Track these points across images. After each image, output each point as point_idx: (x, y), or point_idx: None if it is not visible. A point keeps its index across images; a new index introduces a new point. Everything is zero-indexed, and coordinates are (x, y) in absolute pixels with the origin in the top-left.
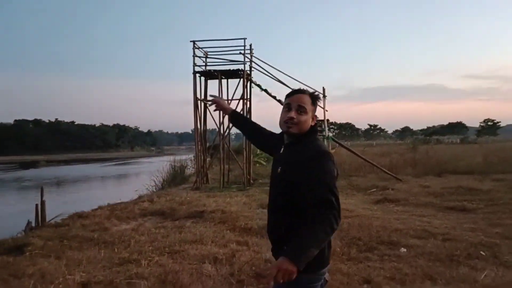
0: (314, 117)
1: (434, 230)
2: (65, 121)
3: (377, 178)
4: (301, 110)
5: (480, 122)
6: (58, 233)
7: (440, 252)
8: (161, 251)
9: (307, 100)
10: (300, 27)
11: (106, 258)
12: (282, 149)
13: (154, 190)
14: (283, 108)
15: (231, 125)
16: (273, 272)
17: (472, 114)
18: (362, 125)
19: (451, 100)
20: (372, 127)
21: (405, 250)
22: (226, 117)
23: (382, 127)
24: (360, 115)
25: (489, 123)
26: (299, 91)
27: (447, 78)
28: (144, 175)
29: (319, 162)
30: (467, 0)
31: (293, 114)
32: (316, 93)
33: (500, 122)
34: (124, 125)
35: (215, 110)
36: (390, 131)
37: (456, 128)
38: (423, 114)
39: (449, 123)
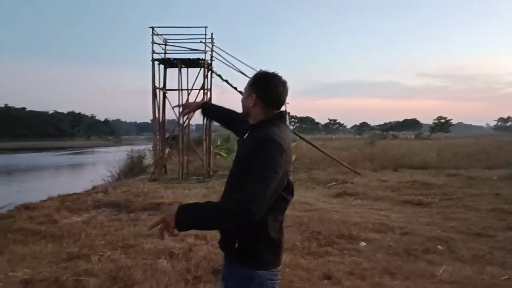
0: (251, 96)
1: (392, 224)
2: (16, 107)
3: (337, 171)
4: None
5: (434, 119)
6: (2, 225)
7: (398, 246)
8: (114, 245)
9: (249, 81)
10: (264, 20)
11: (53, 253)
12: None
13: (110, 180)
14: None
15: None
16: (159, 221)
17: (426, 112)
18: (322, 120)
19: (406, 97)
20: (331, 122)
21: (364, 244)
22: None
23: (342, 122)
24: (320, 109)
25: (441, 120)
26: None
27: (404, 76)
28: (100, 165)
29: (260, 149)
30: (422, 0)
31: None
32: (262, 71)
33: (452, 119)
34: (79, 113)
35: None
36: (349, 126)
37: (411, 124)
38: (381, 110)
39: (405, 120)
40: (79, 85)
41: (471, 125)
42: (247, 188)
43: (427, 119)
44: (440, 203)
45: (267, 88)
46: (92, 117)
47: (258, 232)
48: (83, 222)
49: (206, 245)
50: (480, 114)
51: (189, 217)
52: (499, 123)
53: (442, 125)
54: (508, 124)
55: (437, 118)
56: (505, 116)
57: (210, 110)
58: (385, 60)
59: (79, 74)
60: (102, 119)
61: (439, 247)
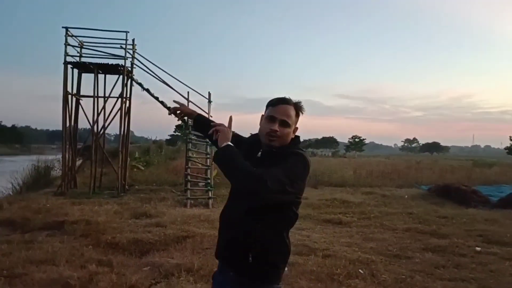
0: (295, 129)
1: (314, 245)
2: None
3: None
4: (284, 123)
5: (349, 138)
6: None
7: (321, 271)
8: None
9: (291, 112)
10: (189, 34)
11: None
12: (259, 153)
13: (11, 193)
14: (265, 119)
15: (106, 124)
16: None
17: (342, 130)
18: (244, 134)
19: (325, 116)
20: None
21: (286, 269)
22: (101, 115)
23: None
24: (242, 124)
25: (356, 139)
26: (284, 101)
27: (323, 96)
28: (0, 176)
29: (289, 158)
30: (338, 27)
31: (276, 127)
32: (301, 104)
33: (365, 138)
34: None
35: (179, 119)
36: None
37: (329, 142)
38: (300, 127)
39: (323, 137)
40: None
41: (381, 144)
42: (271, 170)
43: (343, 138)
44: (359, 222)
45: None
46: None
47: (276, 244)
48: None
49: (111, 273)
50: (389, 134)
51: (229, 153)
52: (405, 144)
53: (357, 143)
54: (413, 145)
55: (352, 137)
56: (411, 138)
57: (202, 123)
58: (306, 80)
59: None
60: (9, 125)
61: (360, 271)
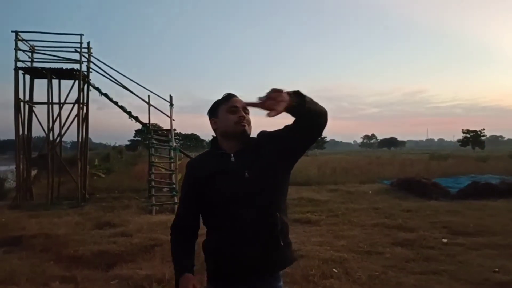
0: None
1: None
2: None
3: None
4: (246, 111)
5: None
6: None
7: (296, 272)
8: None
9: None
10: (148, 36)
11: None
12: (232, 158)
13: None
14: (227, 113)
15: (63, 131)
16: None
17: None
18: (207, 136)
19: (286, 116)
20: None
21: None
22: (57, 122)
23: None
24: (204, 126)
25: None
26: (233, 95)
27: None
28: None
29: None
30: (295, 29)
31: (243, 114)
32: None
33: (326, 136)
34: None
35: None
36: None
37: None
38: (262, 127)
39: None
40: None
41: (341, 141)
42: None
43: None
44: (328, 220)
45: None
46: None
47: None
48: None
49: None
50: (348, 131)
51: (309, 100)
52: (364, 140)
53: (318, 141)
54: (372, 141)
55: None
56: (370, 134)
57: None
58: (265, 80)
59: None
60: None
61: (334, 270)
